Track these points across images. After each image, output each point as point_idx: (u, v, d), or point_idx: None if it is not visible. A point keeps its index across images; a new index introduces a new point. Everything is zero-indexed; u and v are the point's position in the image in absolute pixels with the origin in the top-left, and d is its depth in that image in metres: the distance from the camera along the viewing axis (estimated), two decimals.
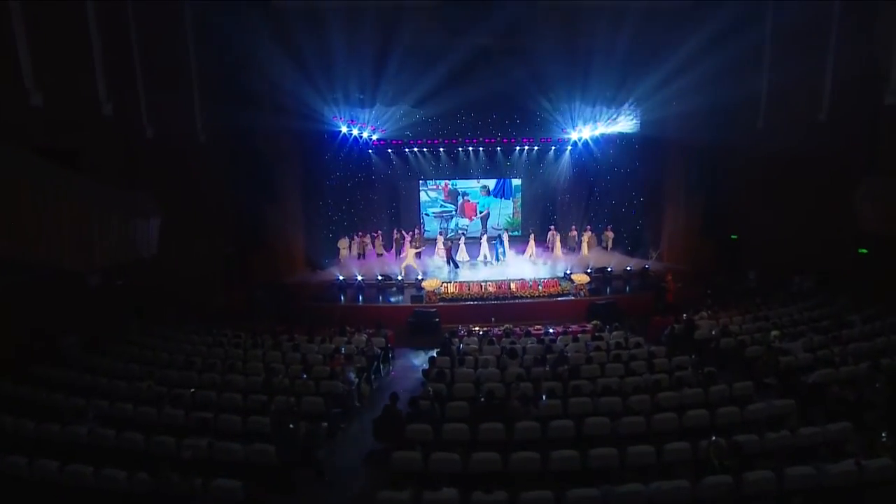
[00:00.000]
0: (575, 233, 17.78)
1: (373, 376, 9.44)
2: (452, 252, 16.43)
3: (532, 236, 17.68)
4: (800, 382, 7.82)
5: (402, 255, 16.48)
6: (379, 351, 9.92)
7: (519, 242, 18.40)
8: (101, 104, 9.68)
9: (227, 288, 14.10)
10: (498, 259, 16.86)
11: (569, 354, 8.82)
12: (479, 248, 17.20)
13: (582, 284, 13.89)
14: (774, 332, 9.53)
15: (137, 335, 10.37)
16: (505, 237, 17.63)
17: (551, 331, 11.02)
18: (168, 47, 12.03)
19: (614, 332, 10.41)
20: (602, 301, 13.38)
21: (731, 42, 13.03)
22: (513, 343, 9.74)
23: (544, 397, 7.09)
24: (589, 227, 18.00)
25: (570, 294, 13.90)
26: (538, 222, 19.89)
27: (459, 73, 15.29)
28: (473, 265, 16.70)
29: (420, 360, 10.87)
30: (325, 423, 6.88)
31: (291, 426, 6.18)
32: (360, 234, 17.69)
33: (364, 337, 10.23)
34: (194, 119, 12.81)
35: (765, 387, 8.02)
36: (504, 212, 20.53)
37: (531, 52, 15.69)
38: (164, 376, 7.98)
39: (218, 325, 11.26)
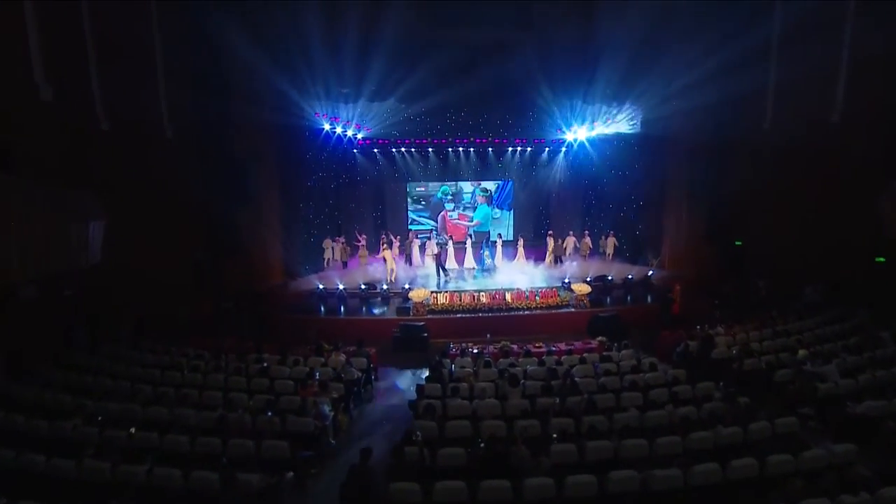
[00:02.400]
0: (573, 239, 16.70)
1: (352, 405, 8.22)
2: (441, 258, 15.24)
3: (499, 240, 16.59)
4: (845, 415, 6.81)
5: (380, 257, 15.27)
6: (359, 374, 8.70)
7: (508, 248, 17.27)
8: (39, 88, 8.34)
9: (197, 298, 12.72)
10: (482, 263, 15.73)
11: (578, 379, 7.71)
12: (466, 255, 16.14)
13: (582, 295, 12.85)
14: (802, 352, 8.55)
15: (82, 355, 8.98)
16: (498, 242, 16.57)
17: (553, 349, 9.91)
18: (128, 28, 10.67)
19: (624, 352, 9.36)
20: (604, 314, 12.31)
21: (737, 35, 12.15)
22: (512, 365, 8.61)
23: (554, 437, 5.98)
24: (587, 231, 17.07)
25: (569, 305, 12.86)
26: (531, 228, 18.93)
27: (449, 67, 14.40)
28: (465, 274, 15.59)
29: (406, 382, 9.69)
30: (292, 473, 5.66)
31: (246, 481, 4.95)
32: (337, 237, 16.38)
33: (343, 357, 8.99)
34: (159, 110, 11.46)
35: (802, 419, 6.97)
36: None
37: (527, 48, 14.89)
38: (101, 410, 6.64)
39: (181, 341, 9.95)
